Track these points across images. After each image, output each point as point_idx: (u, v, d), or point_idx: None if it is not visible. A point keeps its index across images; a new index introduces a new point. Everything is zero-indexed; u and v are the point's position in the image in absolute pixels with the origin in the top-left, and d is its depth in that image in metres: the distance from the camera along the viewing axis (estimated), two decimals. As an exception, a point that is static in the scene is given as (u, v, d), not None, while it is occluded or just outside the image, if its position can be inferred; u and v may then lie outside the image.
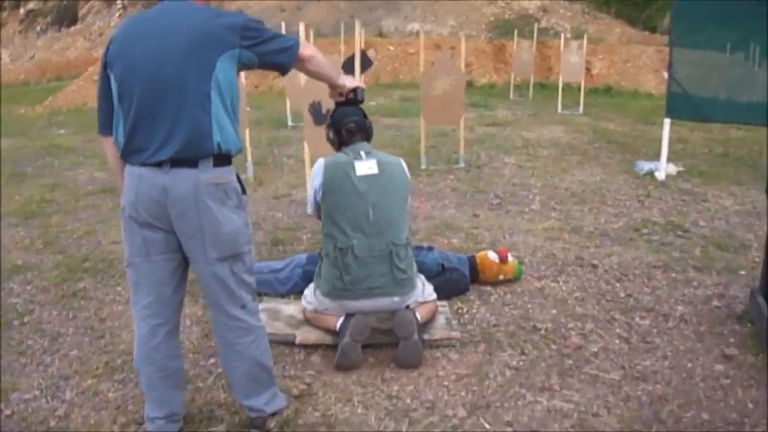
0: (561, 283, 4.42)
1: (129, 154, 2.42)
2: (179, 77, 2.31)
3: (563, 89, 14.16)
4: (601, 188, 6.98)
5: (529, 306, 4.06)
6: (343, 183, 3.33)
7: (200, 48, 2.32)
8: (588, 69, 18.32)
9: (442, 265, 4.18)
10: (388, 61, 21.64)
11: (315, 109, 5.68)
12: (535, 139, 10.17)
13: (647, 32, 24.67)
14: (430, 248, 4.46)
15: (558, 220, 5.85)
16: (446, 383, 3.18)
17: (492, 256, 4.35)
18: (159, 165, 2.36)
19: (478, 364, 3.36)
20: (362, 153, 3.40)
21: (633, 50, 20.85)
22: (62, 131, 12.13)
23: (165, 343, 2.60)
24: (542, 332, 3.71)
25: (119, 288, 4.40)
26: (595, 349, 3.52)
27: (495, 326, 3.79)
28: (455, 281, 4.19)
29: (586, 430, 2.82)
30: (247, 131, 7.31)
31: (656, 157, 7.61)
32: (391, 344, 3.42)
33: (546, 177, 7.49)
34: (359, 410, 2.97)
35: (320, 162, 3.43)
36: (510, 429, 2.84)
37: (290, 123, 11.52)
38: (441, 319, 3.70)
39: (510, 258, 4.37)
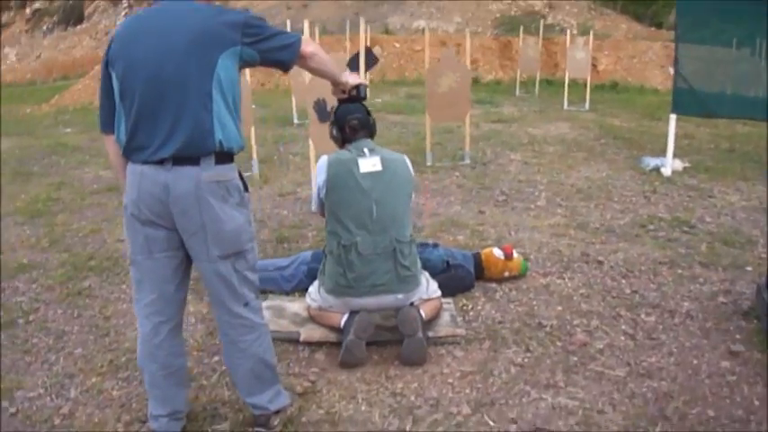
0: (567, 280, 4.40)
1: (130, 152, 2.42)
2: (180, 76, 2.31)
3: (569, 85, 14.11)
4: (607, 184, 6.96)
5: (534, 303, 4.05)
6: (347, 180, 3.32)
7: (202, 46, 2.31)
8: (594, 65, 18.27)
9: (447, 262, 4.17)
10: (394, 58, 21.61)
11: (319, 106, 5.67)
12: (541, 135, 10.14)
13: (653, 28, 24.60)
14: (435, 245, 4.45)
15: (563, 217, 5.83)
16: (450, 381, 3.17)
17: (497, 252, 4.34)
18: (161, 162, 2.36)
19: (483, 361, 3.36)
20: (366, 150, 3.39)
21: (639, 46, 20.77)
22: (68, 130, 12.15)
23: (168, 340, 2.60)
24: (547, 329, 3.70)
25: (124, 286, 4.40)
26: (601, 346, 3.50)
27: (500, 323, 3.78)
28: (460, 278, 4.17)
29: (591, 427, 2.81)
30: (252, 129, 7.31)
31: (663, 152, 7.58)
32: (396, 341, 3.41)
33: (552, 174, 7.47)
34: (363, 408, 2.97)
35: (324, 159, 3.42)
36: (514, 426, 2.83)
37: (295, 121, 11.51)
38: (445, 316, 3.69)
39: (515, 255, 4.36)
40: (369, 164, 3.35)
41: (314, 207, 3.57)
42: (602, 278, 4.42)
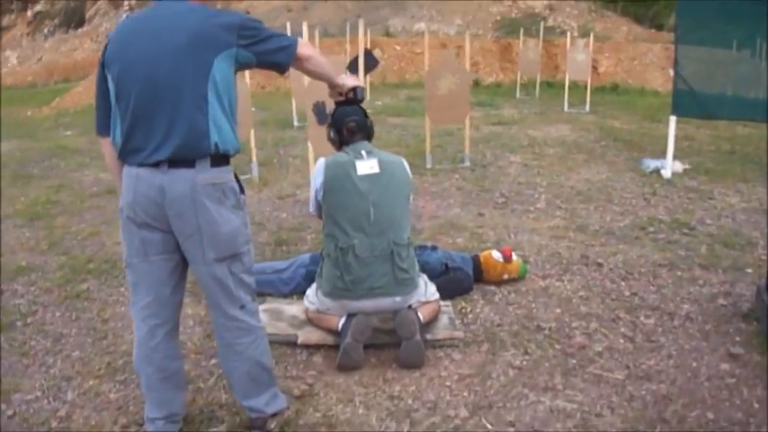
0: (566, 282, 4.39)
1: (126, 154, 2.41)
2: (176, 78, 2.30)
3: (569, 87, 14.09)
4: (607, 186, 6.94)
5: (533, 305, 4.04)
6: (344, 182, 3.31)
7: (197, 48, 2.31)
8: (595, 68, 18.27)
9: (446, 265, 4.16)
10: (395, 61, 21.64)
11: (319, 109, 5.66)
12: (541, 137, 10.13)
13: (653, 30, 24.58)
14: (434, 248, 4.44)
15: (563, 219, 5.82)
16: (448, 383, 3.16)
17: (496, 255, 4.33)
18: (157, 165, 2.35)
19: (481, 363, 3.34)
20: (363, 152, 3.38)
21: (640, 48, 20.77)
22: (68, 133, 12.16)
23: (164, 343, 2.60)
24: (546, 332, 3.68)
25: (122, 289, 4.39)
26: (599, 348, 3.49)
27: (498, 325, 3.77)
28: (459, 280, 4.16)
29: (589, 430, 2.80)
30: (252, 132, 7.31)
31: (663, 154, 7.56)
32: (394, 344, 3.40)
33: (552, 176, 7.46)
34: (360, 411, 2.96)
35: (321, 161, 3.42)
36: (512, 429, 2.82)
37: (295, 124, 11.51)
38: (444, 319, 3.68)
39: (514, 257, 4.35)
40: (366, 166, 3.34)
41: (311, 209, 3.56)
42: (602, 280, 4.41)
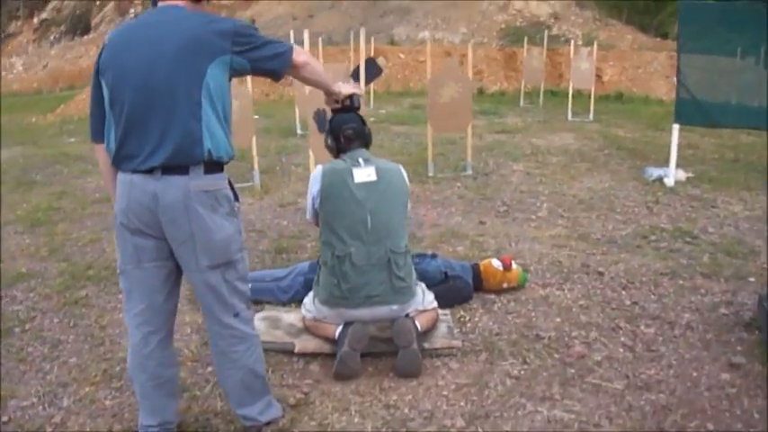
0: (566, 291, 4.37)
1: (120, 161, 2.41)
2: (169, 84, 2.30)
3: (573, 96, 14.08)
4: (609, 195, 6.92)
5: (533, 314, 4.01)
6: (341, 190, 3.30)
7: (191, 54, 2.30)
8: (599, 76, 18.27)
9: (446, 273, 4.14)
10: (399, 69, 21.65)
11: (320, 116, 5.65)
12: (545, 146, 10.11)
13: (658, 39, 24.58)
14: (433, 256, 4.43)
15: (565, 228, 5.80)
16: (445, 393, 3.14)
17: (496, 263, 4.30)
18: (150, 171, 2.34)
19: (479, 373, 3.32)
20: (361, 160, 3.37)
21: (644, 57, 20.76)
22: (72, 140, 12.17)
23: (157, 351, 2.58)
24: (545, 341, 3.66)
25: (120, 296, 4.31)
26: (599, 358, 3.46)
27: (497, 334, 3.75)
28: (458, 289, 4.14)
29: (587, 441, 2.78)
30: (254, 140, 7.30)
31: (666, 163, 7.53)
32: (391, 353, 3.37)
33: (554, 184, 7.44)
34: (356, 420, 2.93)
35: (318, 169, 3.40)
36: (509, 440, 2.80)
37: (298, 132, 11.51)
38: (442, 328, 3.65)
39: (514, 266, 4.32)
40: (363, 174, 3.33)
41: (308, 217, 3.55)
42: (603, 289, 4.38)
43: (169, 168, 2.33)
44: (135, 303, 2.54)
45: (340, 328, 3.36)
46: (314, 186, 3.37)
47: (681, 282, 4.49)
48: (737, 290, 4.33)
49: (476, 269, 4.32)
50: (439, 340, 3.53)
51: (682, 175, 7.57)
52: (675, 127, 7.37)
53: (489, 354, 3.51)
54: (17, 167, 9.38)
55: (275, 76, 2.55)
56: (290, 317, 3.83)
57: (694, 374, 3.29)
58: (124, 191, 2.41)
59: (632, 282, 4.49)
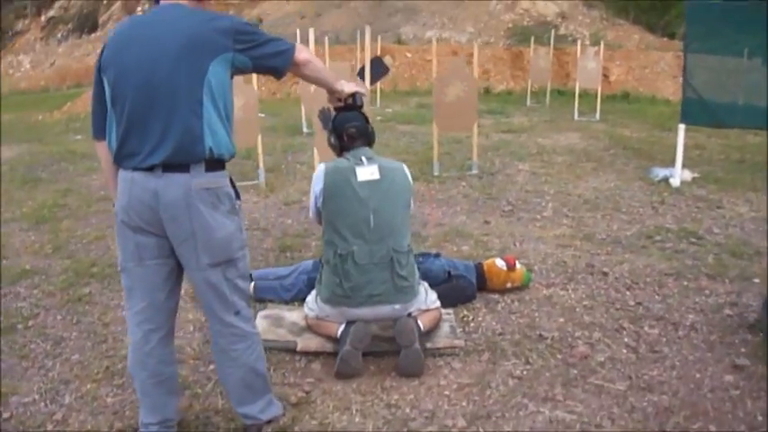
0: (570, 291, 4.35)
1: (121, 158, 2.41)
2: (171, 82, 2.29)
3: (580, 96, 14.04)
4: (614, 195, 6.90)
5: (536, 314, 4.00)
6: (344, 188, 3.29)
7: (192, 52, 2.30)
8: (606, 76, 18.21)
9: (449, 273, 4.13)
10: (406, 68, 21.63)
11: (324, 115, 5.61)
12: (550, 145, 10.09)
13: (665, 38, 24.48)
14: (437, 255, 4.42)
15: (569, 227, 5.78)
16: (447, 393, 3.13)
17: (499, 263, 4.29)
18: (151, 169, 2.34)
19: (481, 373, 3.31)
20: (364, 158, 3.36)
21: (651, 56, 20.69)
22: (78, 137, 12.19)
23: (158, 348, 2.58)
24: (548, 341, 3.64)
25: (123, 293, 4.38)
26: (602, 359, 3.45)
27: (500, 334, 3.74)
28: (461, 288, 4.13)
29: (589, 442, 2.76)
30: (259, 138, 7.30)
31: (672, 163, 7.50)
32: (393, 352, 3.37)
33: (559, 184, 7.41)
34: (357, 419, 2.93)
35: (321, 167, 3.40)
36: (510, 440, 2.79)
37: (304, 130, 11.51)
38: (445, 327, 3.64)
39: (518, 266, 4.31)
40: (366, 172, 3.32)
41: (311, 215, 3.54)
42: (607, 290, 4.37)
43: (170, 166, 2.33)
44: (136, 301, 2.54)
45: (342, 326, 3.36)
46: (317, 185, 3.37)
47: (685, 282, 4.47)
48: (742, 291, 4.31)
49: (479, 269, 4.30)
50: (441, 340, 3.52)
51: (688, 175, 7.54)
52: (681, 127, 7.35)
53: (492, 354, 3.50)
54: (23, 165, 9.40)
55: (277, 73, 2.55)
56: (293, 315, 3.83)
57: (697, 376, 3.27)
58: (125, 188, 2.40)
59: (636, 282, 4.47)
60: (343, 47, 19.64)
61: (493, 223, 5.93)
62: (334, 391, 3.15)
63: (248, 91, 7.14)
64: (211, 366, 3.38)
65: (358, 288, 3.29)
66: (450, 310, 3.88)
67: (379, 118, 13.02)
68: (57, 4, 38.62)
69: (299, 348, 3.49)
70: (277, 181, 7.70)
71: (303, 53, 2.57)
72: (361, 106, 3.26)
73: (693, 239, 5.38)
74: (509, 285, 4.29)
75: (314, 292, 3.58)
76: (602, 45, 14.36)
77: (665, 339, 3.67)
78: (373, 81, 6.32)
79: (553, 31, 18.09)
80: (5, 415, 3.04)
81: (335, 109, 3.36)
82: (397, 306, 3.36)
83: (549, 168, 8.32)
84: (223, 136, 2.40)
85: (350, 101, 3.16)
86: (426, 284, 3.66)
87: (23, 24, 38.98)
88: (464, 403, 3.04)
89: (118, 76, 2.35)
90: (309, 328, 3.60)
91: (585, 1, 27.29)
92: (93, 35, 35.76)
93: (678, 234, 5.52)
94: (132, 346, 2.61)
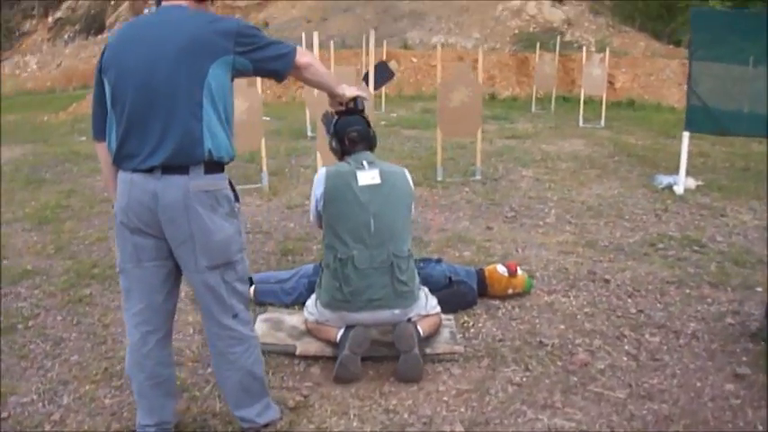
0: (572, 298, 4.34)
1: (121, 159, 2.41)
2: (170, 84, 2.29)
3: (585, 102, 14.03)
4: (618, 202, 6.88)
5: (537, 321, 3.99)
6: (345, 192, 3.28)
7: (192, 54, 2.30)
8: (611, 83, 18.19)
9: (450, 278, 4.12)
10: (411, 73, 21.65)
11: (328, 119, 5.61)
12: (555, 152, 10.07)
13: (671, 46, 24.46)
14: (438, 261, 4.41)
15: (572, 234, 5.77)
16: (446, 399, 3.12)
17: (501, 269, 4.28)
18: (150, 171, 2.34)
19: (480, 379, 3.29)
20: (365, 163, 3.35)
21: (657, 64, 20.67)
22: (83, 138, 12.20)
23: (156, 350, 2.58)
24: (548, 348, 3.63)
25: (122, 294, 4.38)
26: (602, 366, 3.43)
27: (500, 341, 3.72)
28: (462, 294, 4.12)
29: (587, 450, 2.75)
30: (263, 141, 7.31)
31: (676, 170, 7.48)
32: (392, 357, 3.36)
33: (563, 191, 7.40)
34: (354, 424, 2.92)
35: (322, 171, 3.39)
36: (508, 447, 2.77)
37: (309, 134, 11.50)
38: (445, 333, 3.63)
39: (519, 272, 4.30)
40: (367, 177, 3.31)
41: (312, 219, 3.54)
42: (608, 297, 4.35)
43: (169, 168, 2.33)
44: (134, 302, 2.53)
45: (341, 331, 3.35)
46: (317, 189, 3.36)
47: (687, 290, 4.46)
48: (744, 300, 4.29)
49: (481, 274, 4.29)
50: (441, 345, 3.51)
51: (691, 183, 7.53)
52: (686, 134, 7.34)
53: (491, 360, 3.49)
54: (27, 165, 9.42)
55: (278, 76, 2.54)
56: (293, 319, 3.82)
57: (698, 384, 3.25)
58: (124, 190, 2.40)
59: (638, 290, 4.46)
60: (348, 51, 19.67)
61: (495, 229, 5.92)
62: (333, 396, 3.14)
63: (252, 94, 7.15)
64: (210, 369, 3.36)
65: (358, 292, 3.28)
66: (451, 316, 3.87)
67: (383, 122, 13.03)
68: (64, 5, 38.71)
69: (298, 352, 3.48)
70: (280, 184, 7.70)
71: (304, 56, 2.57)
72: (363, 110, 3.25)
73: (696, 247, 5.36)
74: (510, 291, 4.28)
75: (314, 296, 3.57)
76: (607, 52, 14.37)
77: (665, 347, 3.65)
78: (378, 85, 6.32)
79: (559, 38, 18.13)
80: (3, 415, 3.04)
81: (337, 113, 3.35)
82: (397, 311, 3.35)
83: (552, 175, 8.31)
84: (223, 138, 2.39)
85: (351, 105, 3.16)
86: (426, 290, 3.65)
87: (30, 25, 39.08)
88: (462, 409, 3.03)
89: (118, 78, 2.35)
90: (309, 332, 3.59)
91: (592, 7, 27.27)
92: (99, 36, 35.80)
93: (681, 242, 5.51)
94: (130, 348, 2.61)
